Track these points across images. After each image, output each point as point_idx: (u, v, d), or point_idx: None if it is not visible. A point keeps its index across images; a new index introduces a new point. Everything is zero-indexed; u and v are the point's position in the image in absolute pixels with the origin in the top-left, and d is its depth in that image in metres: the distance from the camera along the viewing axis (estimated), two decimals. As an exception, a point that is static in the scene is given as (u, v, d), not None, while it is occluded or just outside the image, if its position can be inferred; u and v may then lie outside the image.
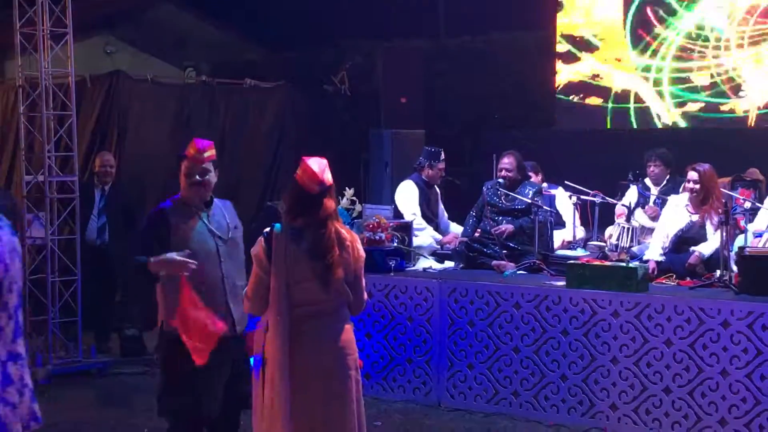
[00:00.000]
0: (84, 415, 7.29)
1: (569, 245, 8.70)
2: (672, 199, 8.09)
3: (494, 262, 7.93)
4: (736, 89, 10.48)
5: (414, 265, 8.08)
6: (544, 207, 8.15)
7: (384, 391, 7.60)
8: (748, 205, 7.89)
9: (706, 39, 10.62)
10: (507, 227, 8.10)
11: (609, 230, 8.70)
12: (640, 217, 8.62)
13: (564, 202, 9.03)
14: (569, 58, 11.45)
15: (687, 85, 10.73)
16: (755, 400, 6.36)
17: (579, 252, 8.25)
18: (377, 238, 7.75)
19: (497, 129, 11.61)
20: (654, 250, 7.68)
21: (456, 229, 8.94)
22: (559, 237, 8.76)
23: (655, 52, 10.89)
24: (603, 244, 8.35)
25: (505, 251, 8.02)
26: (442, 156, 8.80)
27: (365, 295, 4.84)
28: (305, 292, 4.58)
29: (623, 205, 8.77)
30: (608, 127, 11.24)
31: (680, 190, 8.33)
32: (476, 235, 8.37)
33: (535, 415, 7.07)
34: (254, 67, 13.04)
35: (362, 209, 8.69)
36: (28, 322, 8.37)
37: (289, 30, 12.59)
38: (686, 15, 10.73)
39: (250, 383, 4.96)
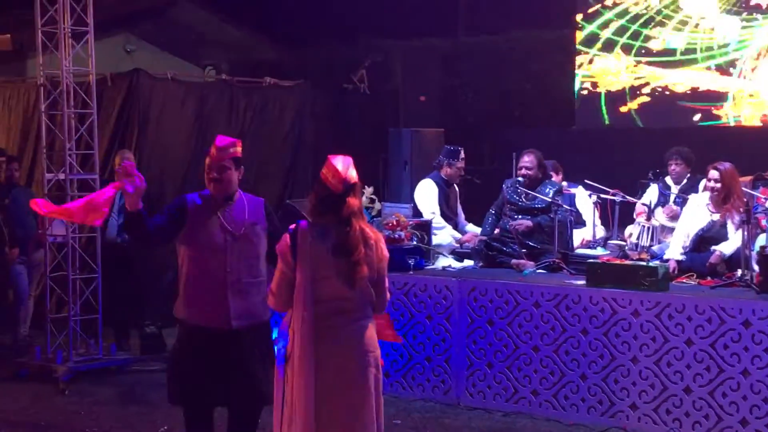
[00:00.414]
0: (104, 411, 7.32)
1: (589, 244, 8.68)
2: (693, 198, 8.05)
3: (514, 261, 7.91)
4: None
5: (433, 264, 8.07)
6: (564, 206, 8.13)
7: (403, 389, 7.60)
8: (769, 203, 7.85)
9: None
10: (525, 222, 8.08)
11: (629, 229, 8.67)
12: (661, 216, 8.58)
13: (584, 201, 9.00)
14: (588, 55, 11.43)
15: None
16: (777, 400, 6.33)
17: (599, 251, 8.23)
18: (396, 236, 7.75)
19: (517, 127, 11.59)
20: (674, 250, 7.65)
21: (473, 229, 8.93)
22: (578, 236, 8.73)
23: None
24: (623, 243, 8.32)
25: (524, 250, 8.00)
26: (462, 155, 8.80)
27: (388, 294, 4.87)
28: (329, 288, 4.61)
29: (643, 203, 8.73)
30: (631, 125, 11.20)
31: (701, 188, 8.30)
32: (496, 233, 8.35)
33: (554, 414, 7.06)
34: (273, 65, 13.08)
35: (381, 208, 8.68)
36: (49, 319, 8.44)
37: (309, 29, 12.62)
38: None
39: (265, 379, 5.12)
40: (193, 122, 10.85)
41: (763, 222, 7.55)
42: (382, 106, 12.48)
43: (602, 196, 8.73)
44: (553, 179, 8.70)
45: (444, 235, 8.54)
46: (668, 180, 8.87)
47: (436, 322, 7.51)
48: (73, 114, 8.47)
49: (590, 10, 11.49)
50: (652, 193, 8.85)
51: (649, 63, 11.09)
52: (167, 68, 11.28)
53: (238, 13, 14.02)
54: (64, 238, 8.36)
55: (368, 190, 8.64)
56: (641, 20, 11.19)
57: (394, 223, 7.85)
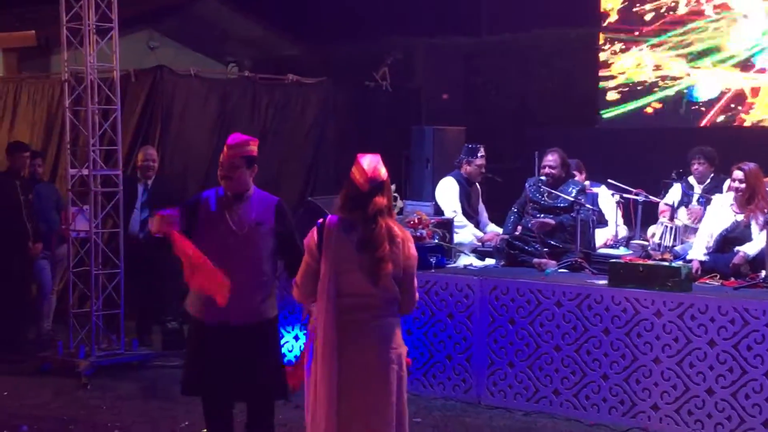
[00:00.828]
0: (125, 406, 7.35)
1: (612, 244, 8.64)
2: (717, 198, 8.01)
3: (535, 260, 7.89)
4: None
5: (455, 262, 8.06)
6: (587, 205, 8.10)
7: (424, 387, 7.59)
8: (794, 204, 7.78)
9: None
10: (547, 220, 8.06)
11: (652, 229, 8.62)
12: (684, 217, 8.53)
13: (607, 200, 8.97)
14: (612, 54, 11.38)
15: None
16: (800, 403, 6.29)
17: (621, 251, 8.19)
18: (418, 234, 7.74)
19: (539, 126, 11.56)
20: (698, 250, 7.61)
21: (494, 228, 8.91)
22: (601, 236, 8.70)
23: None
24: (646, 243, 8.28)
25: (546, 249, 7.98)
26: (481, 152, 8.77)
27: (416, 295, 4.92)
28: (352, 282, 4.68)
29: (666, 203, 8.69)
30: (654, 124, 11.16)
31: (725, 189, 8.25)
32: (517, 232, 8.33)
33: (575, 414, 7.04)
34: (296, 62, 13.10)
35: (403, 206, 8.68)
36: (72, 314, 8.49)
37: (331, 26, 12.64)
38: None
39: (268, 375, 5.34)
40: (215, 119, 10.88)
41: (788, 223, 7.51)
42: (405, 104, 12.47)
43: (625, 195, 8.69)
44: (576, 178, 8.68)
45: (465, 233, 8.53)
46: (691, 180, 8.83)
47: (457, 321, 7.50)
48: (97, 110, 8.49)
49: (613, 8, 11.44)
50: (675, 192, 8.81)
51: (674, 61, 11.03)
52: (190, 65, 11.31)
53: (261, 10, 14.05)
54: (87, 234, 8.39)
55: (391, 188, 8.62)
56: (666, 18, 11.13)
57: (416, 221, 7.85)
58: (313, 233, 4.77)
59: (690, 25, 10.92)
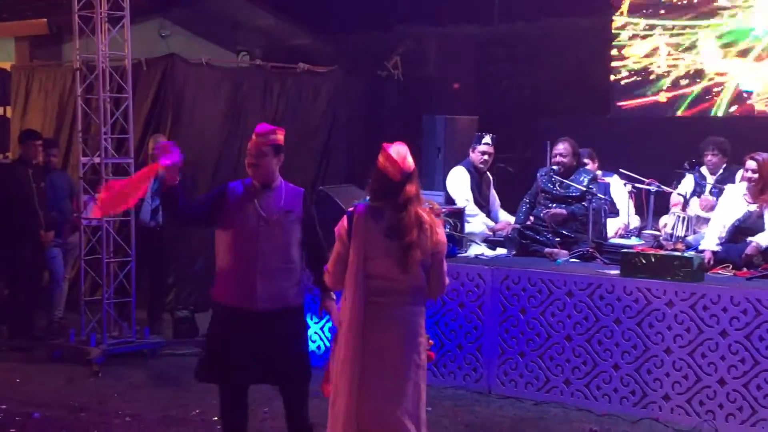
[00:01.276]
0: (136, 394, 7.37)
1: (623, 234, 8.61)
2: (729, 188, 7.97)
3: (547, 250, 7.88)
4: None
5: (466, 252, 8.05)
6: (599, 195, 8.08)
7: (434, 377, 7.58)
8: (807, 195, 7.74)
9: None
10: (559, 210, 8.04)
11: (664, 219, 8.59)
12: (696, 207, 8.50)
13: (619, 190, 8.94)
14: (625, 43, 11.34)
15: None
16: (812, 394, 6.27)
17: (633, 241, 8.17)
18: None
19: (551, 115, 11.51)
20: (710, 240, 7.58)
21: (505, 217, 8.88)
22: (612, 225, 8.67)
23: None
24: (658, 233, 8.25)
25: (558, 239, 7.96)
26: (485, 140, 8.71)
27: (446, 279, 5.02)
28: (380, 269, 4.80)
29: (679, 194, 8.66)
30: (667, 114, 11.11)
31: (737, 179, 8.21)
32: (529, 222, 8.31)
33: (586, 404, 7.03)
34: (307, 51, 13.07)
35: (414, 195, 8.64)
36: (84, 302, 8.51)
37: (343, 15, 12.59)
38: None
39: (295, 359, 5.42)
40: (226, 107, 10.87)
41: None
42: (416, 93, 12.44)
43: (637, 185, 8.66)
44: (588, 167, 8.65)
45: (477, 222, 8.51)
46: (704, 170, 8.80)
47: (468, 310, 7.49)
48: (109, 98, 8.50)
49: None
50: (687, 183, 8.78)
51: (687, 51, 10.98)
52: (202, 53, 11.30)
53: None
54: (98, 222, 8.41)
55: (401, 177, 8.60)
56: (680, 7, 11.08)
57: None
58: (344, 221, 4.90)
59: (704, 15, 10.87)
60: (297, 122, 11.43)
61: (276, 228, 5.43)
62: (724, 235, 7.58)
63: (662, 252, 7.10)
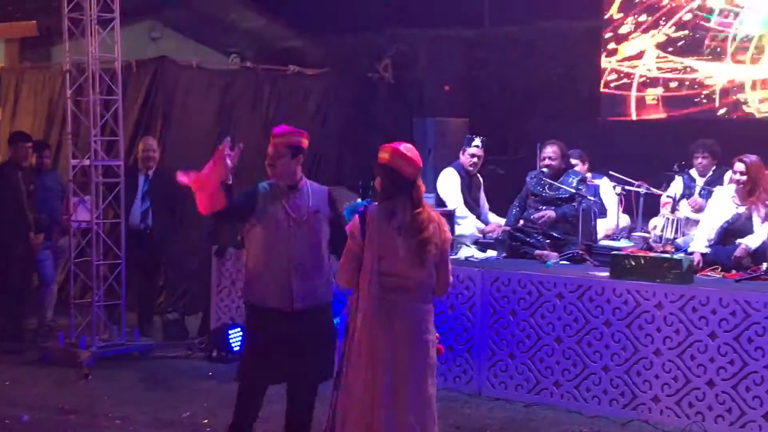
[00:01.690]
0: (126, 397, 7.35)
1: (612, 235, 8.63)
2: (718, 190, 8.00)
3: (537, 252, 7.89)
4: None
5: (456, 254, 8.05)
6: (588, 196, 8.09)
7: (424, 379, 7.58)
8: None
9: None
10: (549, 213, 8.06)
11: (654, 221, 8.63)
12: (685, 209, 8.53)
13: (608, 192, 8.96)
14: (615, 47, 11.36)
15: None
16: (801, 395, 6.29)
17: (623, 243, 8.18)
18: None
19: (542, 118, 11.53)
20: (699, 242, 7.60)
21: (495, 219, 8.89)
22: (601, 226, 8.68)
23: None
24: (647, 235, 8.28)
25: (548, 241, 7.97)
26: (474, 142, 8.72)
27: (450, 278, 5.15)
28: (393, 266, 4.90)
29: (668, 196, 8.69)
30: (657, 117, 11.13)
31: (726, 181, 8.25)
32: (519, 224, 8.32)
33: (576, 405, 7.04)
34: (298, 54, 13.05)
35: (405, 197, 8.65)
36: (73, 305, 8.49)
37: (334, 17, 12.59)
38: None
39: (325, 358, 5.56)
40: (217, 110, 10.87)
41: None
42: (407, 96, 12.45)
43: (627, 187, 8.68)
44: (578, 169, 8.66)
45: (467, 225, 8.51)
46: (693, 172, 8.82)
47: (458, 312, 7.50)
48: (99, 100, 8.48)
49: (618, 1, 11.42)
50: (677, 185, 8.80)
51: (677, 54, 11.00)
52: (192, 56, 11.31)
53: (264, 1, 14.00)
54: (88, 224, 8.39)
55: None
56: (669, 10, 11.10)
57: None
58: (356, 221, 4.99)
59: (693, 17, 10.89)
60: (288, 124, 11.38)
61: (306, 228, 5.58)
62: (713, 237, 7.61)
63: (652, 254, 7.12)
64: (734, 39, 10.62)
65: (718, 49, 10.70)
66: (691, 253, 7.45)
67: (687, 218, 8.41)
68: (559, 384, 7.13)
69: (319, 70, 11.87)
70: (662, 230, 8.28)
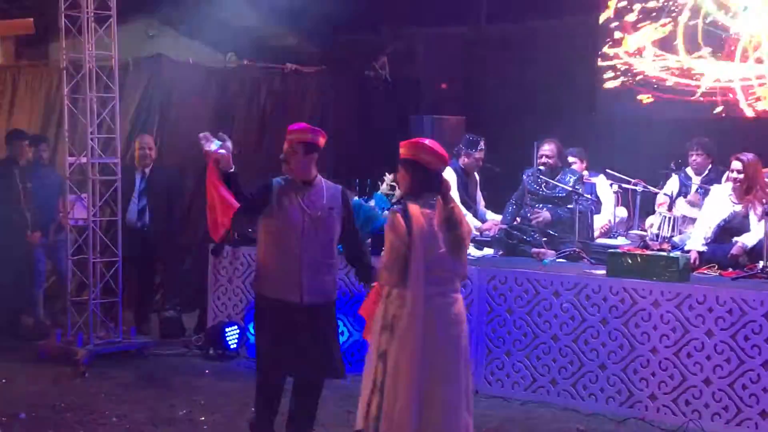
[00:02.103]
0: (123, 394, 7.35)
1: (607, 232, 8.64)
2: (715, 188, 8.01)
3: (534, 250, 7.89)
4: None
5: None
6: (585, 195, 8.10)
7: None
8: (793, 195, 7.78)
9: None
10: (544, 214, 8.06)
11: (650, 219, 8.63)
12: (682, 207, 8.54)
13: (605, 190, 8.97)
14: (612, 45, 11.37)
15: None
16: (797, 393, 6.30)
17: (620, 241, 8.19)
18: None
19: (538, 116, 11.53)
20: (696, 240, 7.61)
21: (492, 217, 8.90)
22: (596, 222, 8.69)
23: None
24: (644, 233, 8.29)
25: (545, 239, 7.98)
26: (481, 145, 8.75)
27: (466, 269, 5.23)
28: (436, 260, 4.93)
29: (665, 194, 8.70)
30: (653, 115, 11.13)
31: (723, 179, 8.25)
32: (516, 222, 8.32)
33: (573, 403, 7.05)
34: (295, 52, 13.05)
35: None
36: (70, 303, 8.48)
37: (330, 16, 12.57)
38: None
39: (332, 353, 5.66)
40: (214, 107, 10.86)
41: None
42: (404, 93, 12.45)
43: (623, 185, 8.69)
44: (576, 167, 8.67)
45: (464, 223, 8.50)
46: (689, 171, 8.83)
47: (455, 310, 7.49)
48: (96, 98, 8.48)
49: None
50: (673, 183, 8.81)
51: (674, 52, 11.01)
52: (189, 54, 11.29)
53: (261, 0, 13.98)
54: (85, 222, 8.39)
55: (389, 178, 8.63)
56: (666, 8, 11.10)
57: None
58: (399, 219, 4.93)
59: (690, 16, 10.90)
60: (285, 122, 11.34)
61: (320, 224, 5.66)
62: (709, 235, 7.61)
63: (648, 252, 7.12)
64: (731, 37, 10.62)
65: (716, 48, 10.70)
66: (688, 251, 7.46)
67: (684, 216, 8.42)
68: (556, 382, 7.14)
69: (316, 68, 11.86)
70: (659, 228, 8.29)
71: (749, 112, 10.53)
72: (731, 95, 10.63)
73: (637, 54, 11.24)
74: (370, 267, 5.88)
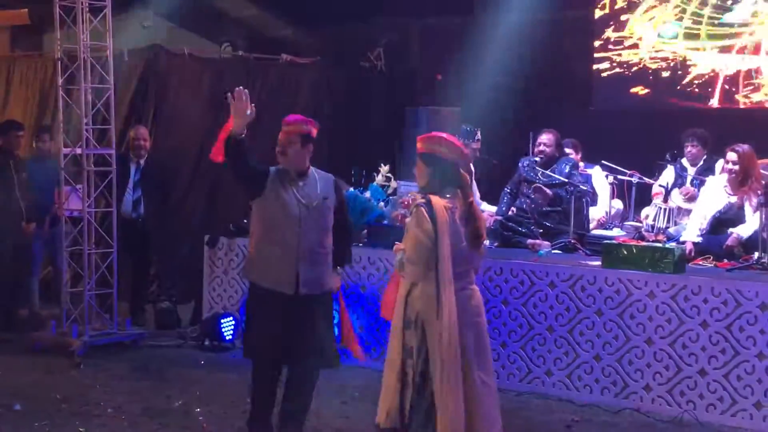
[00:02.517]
0: (118, 386, 7.35)
1: (603, 224, 8.65)
2: (710, 180, 8.02)
3: (529, 241, 7.90)
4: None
5: (448, 243, 8.04)
6: (580, 184, 8.10)
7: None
8: (788, 186, 7.78)
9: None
10: (545, 188, 8.07)
11: (645, 210, 8.64)
12: (677, 198, 8.54)
13: (600, 181, 8.97)
14: (608, 35, 11.36)
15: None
16: (792, 384, 6.31)
17: (615, 232, 8.20)
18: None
19: (534, 107, 11.53)
20: (691, 231, 7.62)
21: (487, 208, 8.89)
22: (592, 214, 8.69)
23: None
24: (639, 224, 8.30)
25: (540, 230, 7.98)
26: (478, 136, 8.75)
27: (481, 261, 5.28)
28: (461, 254, 4.95)
29: (660, 185, 8.70)
30: (648, 106, 11.13)
31: (717, 170, 8.26)
32: (511, 213, 8.32)
33: (567, 394, 7.06)
34: (290, 43, 13.02)
35: (397, 186, 8.67)
36: (65, 293, 8.48)
37: (326, 6, 12.54)
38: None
39: (327, 343, 5.69)
40: (209, 98, 10.82)
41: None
42: (399, 85, 12.43)
43: (619, 177, 8.69)
44: (570, 157, 8.66)
45: (459, 214, 8.50)
46: (685, 162, 8.83)
47: (450, 301, 7.49)
48: (90, 89, 8.46)
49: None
50: (668, 174, 8.81)
51: (670, 43, 11.00)
52: (184, 44, 11.25)
53: (256, -10, 13.95)
54: (80, 213, 8.37)
55: (384, 169, 8.63)
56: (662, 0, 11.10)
57: (410, 201, 7.82)
58: (424, 214, 4.89)
59: (687, 6, 10.89)
60: (279, 113, 11.29)
61: (316, 214, 5.67)
62: (705, 226, 7.62)
63: (644, 243, 7.13)
64: (727, 28, 10.61)
65: (712, 39, 10.70)
66: (683, 243, 7.47)
67: (679, 207, 8.43)
68: (551, 373, 7.15)
69: (311, 59, 11.83)
70: (654, 219, 8.30)
71: (745, 104, 10.53)
72: (726, 86, 10.62)
73: (633, 46, 11.22)
74: (349, 256, 6.13)
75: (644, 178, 8.68)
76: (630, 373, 6.84)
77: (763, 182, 7.35)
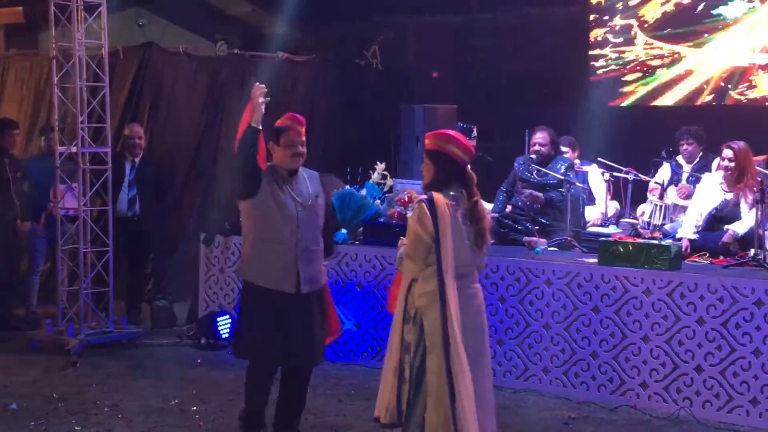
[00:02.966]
0: (115, 384, 7.34)
1: (601, 222, 8.65)
2: (706, 177, 8.02)
3: (525, 239, 7.90)
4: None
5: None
6: (576, 183, 8.10)
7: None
8: (783, 183, 7.79)
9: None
10: (536, 192, 8.07)
11: (641, 208, 8.63)
12: (673, 195, 8.55)
13: (596, 179, 8.97)
14: (603, 33, 11.36)
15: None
16: (788, 381, 6.32)
17: (611, 229, 8.20)
18: (408, 213, 7.72)
19: (529, 105, 11.53)
20: (687, 228, 7.63)
21: (484, 206, 8.87)
22: (589, 213, 8.70)
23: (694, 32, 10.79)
24: (635, 221, 8.29)
25: (536, 227, 7.98)
26: (474, 133, 8.75)
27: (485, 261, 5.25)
28: (463, 253, 4.93)
29: (656, 182, 8.70)
30: (644, 103, 11.13)
31: (713, 167, 8.26)
32: (507, 210, 8.32)
33: (564, 392, 7.07)
34: (286, 40, 13.00)
35: (393, 184, 8.66)
36: (61, 292, 8.46)
37: (322, 4, 12.53)
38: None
39: (322, 340, 5.74)
40: (204, 96, 10.83)
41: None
42: (395, 82, 12.41)
43: (615, 174, 8.69)
44: (567, 155, 8.66)
45: (455, 212, 8.49)
46: (680, 159, 8.83)
47: (446, 299, 7.49)
48: (86, 87, 8.45)
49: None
50: (664, 171, 8.81)
51: (664, 40, 11.01)
52: (179, 42, 11.25)
53: (251, -13, 13.93)
54: (75, 211, 8.36)
55: (380, 167, 8.62)
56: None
57: (406, 199, 7.83)
58: (425, 210, 4.88)
59: (682, 3, 10.89)
60: (275, 111, 11.32)
61: (310, 212, 5.70)
62: (701, 223, 7.63)
63: (640, 240, 7.14)
64: (721, 25, 10.62)
65: (705, 36, 10.70)
66: (679, 240, 7.48)
67: (675, 204, 8.43)
68: (548, 370, 7.15)
69: (307, 57, 11.83)
70: (650, 216, 8.29)
71: (740, 100, 10.53)
72: (722, 83, 10.63)
73: (628, 43, 11.22)
74: (331, 247, 6.24)
75: (640, 175, 8.68)
76: (626, 370, 6.84)
77: (759, 179, 7.35)
